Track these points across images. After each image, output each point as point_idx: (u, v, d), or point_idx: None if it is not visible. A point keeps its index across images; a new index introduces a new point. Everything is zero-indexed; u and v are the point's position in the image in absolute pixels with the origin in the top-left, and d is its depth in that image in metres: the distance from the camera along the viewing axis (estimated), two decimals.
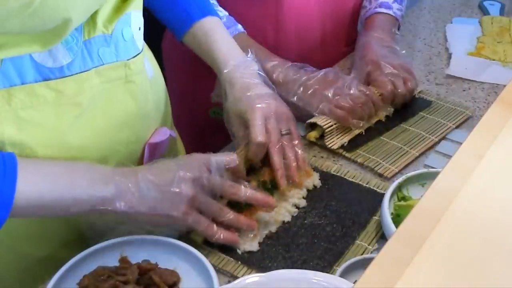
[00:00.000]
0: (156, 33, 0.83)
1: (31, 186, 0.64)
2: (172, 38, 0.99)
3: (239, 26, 1.04)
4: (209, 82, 1.19)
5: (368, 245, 0.76)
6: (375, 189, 0.85)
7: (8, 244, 0.75)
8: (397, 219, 0.76)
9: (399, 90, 0.99)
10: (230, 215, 0.74)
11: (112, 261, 0.71)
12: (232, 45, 0.90)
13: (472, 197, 0.46)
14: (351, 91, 0.96)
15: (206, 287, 0.68)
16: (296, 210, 0.81)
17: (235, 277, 0.71)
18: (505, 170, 0.49)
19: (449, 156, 0.93)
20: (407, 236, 0.42)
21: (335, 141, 0.95)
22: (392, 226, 0.72)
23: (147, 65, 0.83)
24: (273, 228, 0.78)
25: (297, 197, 0.83)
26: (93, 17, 0.71)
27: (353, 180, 0.88)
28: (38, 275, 0.71)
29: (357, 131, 0.96)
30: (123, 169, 0.70)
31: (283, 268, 0.72)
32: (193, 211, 0.70)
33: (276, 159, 0.82)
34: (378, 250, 0.76)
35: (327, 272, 0.71)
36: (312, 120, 0.95)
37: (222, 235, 0.73)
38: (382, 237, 0.77)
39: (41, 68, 0.67)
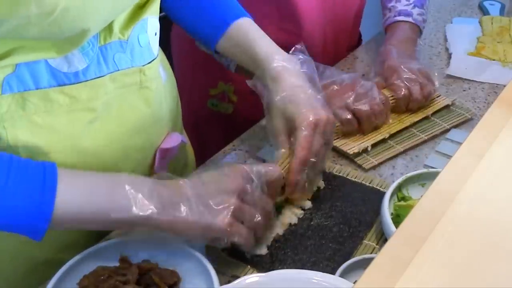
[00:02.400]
0: (162, 27, 0.82)
1: (71, 197, 0.63)
2: (178, 32, 0.98)
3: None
4: (208, 73, 1.20)
5: (376, 244, 0.76)
6: (378, 188, 0.86)
7: (15, 246, 0.75)
8: (397, 219, 0.76)
9: (414, 97, 0.99)
10: (262, 230, 0.73)
11: (112, 261, 0.71)
12: (273, 44, 0.88)
13: (472, 197, 0.46)
14: (372, 99, 0.95)
15: (206, 287, 0.68)
16: (302, 212, 0.81)
17: (235, 277, 0.71)
18: (505, 170, 0.49)
19: (449, 156, 0.93)
20: (407, 236, 0.42)
21: (354, 145, 0.94)
22: (392, 226, 0.72)
23: (161, 69, 0.83)
24: (280, 231, 0.77)
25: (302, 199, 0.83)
26: (109, 25, 0.70)
27: (355, 180, 0.88)
28: (44, 277, 0.71)
29: (380, 136, 0.96)
30: (165, 181, 0.69)
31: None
32: (236, 223, 0.68)
33: (298, 176, 0.79)
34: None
35: (335, 273, 0.71)
36: None
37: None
38: (383, 237, 0.77)
39: (56, 73, 0.66)
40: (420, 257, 0.40)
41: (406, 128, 1.00)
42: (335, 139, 0.93)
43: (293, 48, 0.88)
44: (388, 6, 1.18)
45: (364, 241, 0.76)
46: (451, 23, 1.41)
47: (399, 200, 0.81)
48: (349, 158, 0.93)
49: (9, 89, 0.64)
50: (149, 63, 0.77)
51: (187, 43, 1.12)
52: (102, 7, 0.65)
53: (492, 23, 1.36)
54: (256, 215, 0.70)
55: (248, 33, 0.87)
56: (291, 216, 0.80)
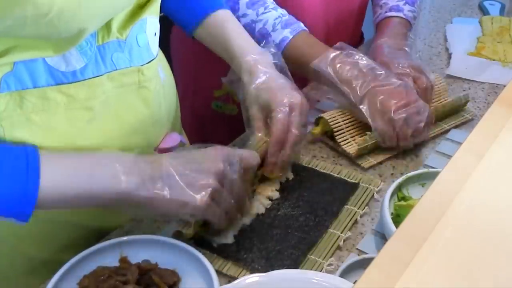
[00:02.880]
0: (162, 27, 0.82)
1: (54, 180, 0.63)
2: (178, 32, 0.99)
3: (301, 24, 1.03)
4: (212, 75, 1.19)
5: (341, 233, 0.78)
6: (346, 179, 0.88)
7: (14, 245, 0.75)
8: (397, 219, 0.76)
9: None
10: (238, 214, 0.76)
11: (112, 261, 0.71)
12: (247, 37, 0.91)
13: (472, 197, 0.46)
14: (418, 122, 0.91)
15: (206, 287, 0.68)
16: (270, 202, 0.83)
17: (234, 278, 0.71)
18: (505, 170, 0.49)
19: (449, 156, 0.93)
20: (407, 236, 0.42)
21: (352, 143, 0.94)
22: (392, 226, 0.72)
23: (160, 69, 0.83)
24: (248, 221, 0.79)
25: (270, 190, 0.84)
26: (107, 22, 0.70)
27: (324, 171, 0.90)
28: (43, 277, 0.71)
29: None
30: (147, 157, 0.70)
31: (258, 258, 0.73)
32: (212, 203, 0.70)
33: (275, 157, 0.82)
34: (350, 238, 0.78)
35: (301, 260, 0.73)
36: (323, 115, 0.95)
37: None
38: (354, 225, 0.78)
39: (54, 71, 0.67)
40: (420, 257, 0.40)
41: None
42: (336, 136, 0.94)
43: (263, 42, 0.92)
44: (380, 3, 1.18)
45: (329, 229, 0.78)
46: (451, 23, 1.41)
47: (399, 200, 0.81)
48: (347, 158, 0.93)
49: (6, 87, 0.64)
50: (147, 63, 0.77)
51: (189, 44, 1.12)
52: (98, 7, 0.65)
53: (492, 23, 1.36)
54: (231, 199, 0.72)
55: (225, 25, 0.90)
56: (258, 206, 0.81)
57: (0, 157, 0.62)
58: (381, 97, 0.91)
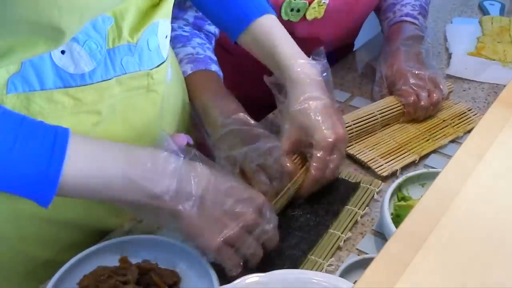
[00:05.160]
0: None
1: (79, 166, 0.60)
2: None
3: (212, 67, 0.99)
4: None
5: (341, 233, 0.78)
6: (346, 179, 0.87)
7: (16, 246, 0.75)
8: (397, 219, 0.76)
9: (422, 103, 0.98)
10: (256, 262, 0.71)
11: (112, 261, 0.71)
12: (294, 45, 0.86)
13: (472, 197, 0.46)
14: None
15: (206, 287, 0.68)
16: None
17: (234, 278, 0.71)
18: (505, 170, 0.49)
19: (449, 156, 0.93)
20: (407, 236, 0.42)
21: (384, 166, 0.91)
22: (392, 226, 0.72)
23: (169, 68, 0.82)
24: None
25: None
26: (118, 27, 0.69)
27: None
28: (44, 277, 0.70)
29: (410, 158, 0.93)
30: (191, 165, 0.66)
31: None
32: (226, 248, 0.67)
33: (309, 192, 0.81)
34: (350, 238, 0.78)
35: (301, 261, 0.73)
36: None
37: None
38: (354, 225, 0.78)
39: (62, 73, 0.66)
40: (420, 257, 0.40)
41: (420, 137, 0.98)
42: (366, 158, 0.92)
43: (313, 52, 0.87)
44: (393, 10, 1.16)
45: (330, 230, 0.78)
46: (451, 23, 1.41)
47: (399, 200, 0.81)
48: (347, 158, 0.93)
49: (14, 89, 0.63)
50: (157, 66, 0.76)
51: None
52: None
53: (492, 23, 1.36)
54: (257, 250, 0.69)
55: (272, 31, 0.86)
56: None
57: (27, 133, 0.58)
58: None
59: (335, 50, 1.23)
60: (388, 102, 1.00)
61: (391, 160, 0.92)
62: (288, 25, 0.92)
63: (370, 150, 0.94)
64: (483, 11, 1.48)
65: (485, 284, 0.39)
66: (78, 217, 0.77)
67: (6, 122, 0.58)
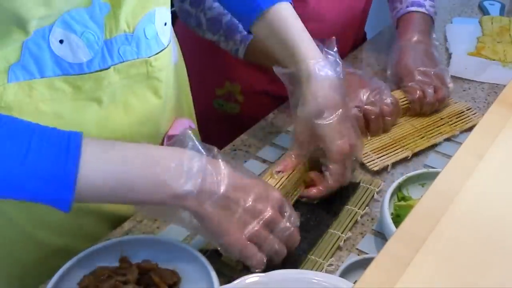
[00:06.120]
0: None
1: (95, 167, 0.59)
2: (180, 30, 0.98)
3: None
4: (214, 73, 1.19)
5: (341, 233, 0.78)
6: None
7: (28, 231, 0.75)
8: (397, 219, 0.76)
9: (427, 100, 0.99)
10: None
11: (112, 261, 0.71)
12: (310, 38, 0.83)
13: (472, 197, 0.46)
14: (385, 99, 0.95)
15: (206, 287, 0.68)
16: None
17: (234, 278, 0.71)
18: (505, 170, 0.49)
19: (449, 156, 0.93)
20: (407, 236, 0.42)
21: (376, 161, 0.92)
22: (392, 226, 0.72)
23: (173, 53, 0.81)
24: None
25: None
26: (115, 15, 0.69)
27: None
28: (55, 265, 0.70)
29: (403, 154, 0.93)
30: (211, 163, 0.65)
31: None
32: (250, 246, 0.67)
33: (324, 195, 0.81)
34: (350, 238, 0.78)
35: (302, 260, 0.73)
36: None
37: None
38: (354, 225, 0.79)
39: (60, 61, 0.67)
40: (420, 257, 0.40)
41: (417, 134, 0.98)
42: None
43: (325, 44, 0.84)
44: None
45: (330, 230, 0.78)
46: (451, 23, 1.41)
47: (399, 200, 0.81)
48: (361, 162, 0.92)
49: (15, 78, 0.65)
50: (157, 53, 0.76)
51: (192, 42, 1.12)
52: None
53: (492, 23, 1.36)
54: (280, 248, 0.69)
55: (287, 23, 0.82)
56: None
57: (40, 140, 0.58)
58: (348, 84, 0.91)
59: (346, 38, 1.22)
60: (395, 97, 1.00)
61: (383, 156, 0.92)
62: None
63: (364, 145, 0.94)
64: (483, 11, 1.48)
65: (485, 284, 0.39)
66: (92, 205, 0.76)
67: (18, 130, 0.58)
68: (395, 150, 0.94)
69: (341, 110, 0.79)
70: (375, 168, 0.89)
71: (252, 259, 0.67)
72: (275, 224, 0.68)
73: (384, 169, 0.90)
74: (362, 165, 0.91)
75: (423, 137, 0.97)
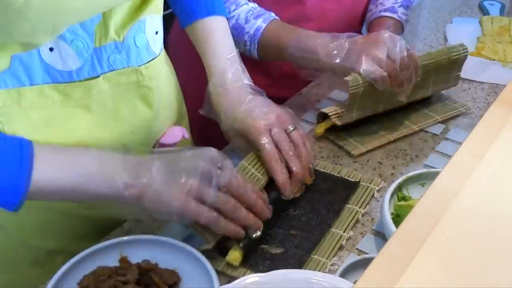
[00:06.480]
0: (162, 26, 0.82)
1: (45, 174, 0.61)
2: (177, 33, 0.98)
3: (273, 14, 1.03)
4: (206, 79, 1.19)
5: (343, 232, 0.78)
6: (346, 178, 0.88)
7: (18, 236, 0.75)
8: (397, 219, 0.76)
9: (384, 74, 0.92)
10: (242, 212, 0.70)
11: (112, 261, 0.71)
12: (226, 53, 0.86)
13: (472, 197, 0.46)
14: (400, 53, 0.91)
15: (206, 287, 0.68)
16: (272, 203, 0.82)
17: (235, 277, 0.71)
18: (505, 170, 0.49)
19: (449, 156, 0.93)
20: (407, 236, 0.42)
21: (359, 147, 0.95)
22: (392, 226, 0.72)
23: (164, 64, 0.82)
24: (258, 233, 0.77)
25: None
26: (105, 24, 0.70)
27: (324, 170, 0.90)
28: (51, 268, 0.70)
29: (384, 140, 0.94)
30: (134, 159, 0.67)
31: (263, 260, 0.73)
32: (191, 201, 0.66)
33: (281, 173, 0.79)
34: (351, 238, 0.78)
35: (305, 260, 0.73)
36: (323, 110, 0.95)
37: (230, 227, 0.69)
38: (355, 225, 0.78)
39: (50, 69, 0.67)
40: (420, 257, 0.40)
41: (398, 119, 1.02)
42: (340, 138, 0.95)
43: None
44: (376, 2, 1.18)
45: (332, 229, 0.78)
46: (451, 23, 1.41)
47: (399, 200, 0.81)
48: (347, 158, 0.93)
49: (4, 85, 0.65)
50: (147, 62, 0.76)
51: (188, 45, 1.12)
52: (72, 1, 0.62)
53: (492, 23, 1.36)
54: (226, 199, 0.68)
55: (209, 37, 0.86)
56: None
57: None
58: (361, 44, 0.91)
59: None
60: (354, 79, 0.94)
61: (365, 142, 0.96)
62: None
63: (346, 132, 0.97)
64: (483, 11, 1.48)
65: (485, 284, 0.39)
66: (82, 208, 0.76)
67: None
68: (377, 138, 0.97)
69: (250, 101, 0.81)
70: (356, 153, 0.93)
71: (199, 216, 0.66)
72: (211, 176, 0.67)
73: (383, 168, 0.91)
74: (367, 166, 0.91)
75: (409, 125, 1.00)
